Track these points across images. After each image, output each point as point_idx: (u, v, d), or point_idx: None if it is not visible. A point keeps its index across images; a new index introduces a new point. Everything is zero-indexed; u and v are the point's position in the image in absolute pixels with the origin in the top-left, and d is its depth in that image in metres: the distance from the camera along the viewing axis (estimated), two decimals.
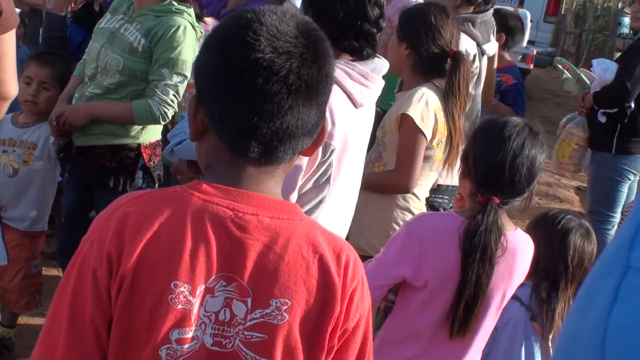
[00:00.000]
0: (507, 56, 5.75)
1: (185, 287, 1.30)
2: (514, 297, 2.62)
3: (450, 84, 3.10)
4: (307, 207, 2.25)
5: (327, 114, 1.47)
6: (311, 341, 1.36)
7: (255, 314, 1.33)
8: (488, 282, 2.25)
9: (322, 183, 2.29)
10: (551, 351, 2.73)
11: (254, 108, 1.32)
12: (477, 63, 3.81)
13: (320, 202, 2.30)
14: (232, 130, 1.35)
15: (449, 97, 3.07)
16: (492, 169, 2.26)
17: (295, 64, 1.32)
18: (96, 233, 1.33)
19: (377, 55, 2.47)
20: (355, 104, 2.37)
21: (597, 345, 0.89)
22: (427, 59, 3.10)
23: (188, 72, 3.39)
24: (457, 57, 3.12)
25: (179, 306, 1.30)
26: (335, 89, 1.50)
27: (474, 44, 3.79)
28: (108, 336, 1.32)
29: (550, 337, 2.74)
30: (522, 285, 2.56)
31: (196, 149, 1.45)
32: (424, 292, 2.29)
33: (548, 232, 2.79)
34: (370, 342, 1.47)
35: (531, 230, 2.77)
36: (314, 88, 1.35)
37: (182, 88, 3.40)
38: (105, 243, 1.30)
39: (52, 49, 4.77)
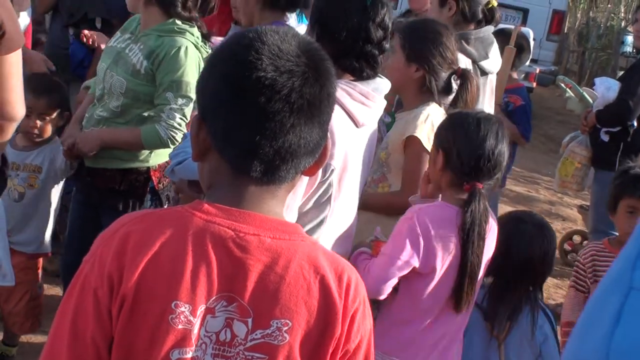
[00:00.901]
0: (514, 75, 5.73)
1: (185, 307, 1.29)
2: None
3: (459, 102, 3.09)
4: (308, 227, 2.25)
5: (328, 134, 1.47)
6: None
7: (256, 334, 1.32)
8: (482, 257, 2.55)
9: (322, 203, 2.29)
10: (503, 352, 2.78)
11: (257, 127, 1.32)
12: None
13: (322, 222, 2.30)
14: (234, 149, 1.35)
15: None
16: (479, 160, 2.53)
17: (298, 83, 1.33)
18: (97, 253, 1.33)
19: (379, 75, 2.47)
20: (356, 123, 2.37)
21: None
22: (441, 79, 3.09)
23: (193, 94, 3.35)
24: (465, 75, 3.11)
25: (180, 326, 1.29)
26: (335, 108, 1.51)
27: (468, 61, 3.77)
28: (109, 356, 1.31)
29: (502, 337, 2.80)
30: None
31: (198, 168, 1.45)
32: (430, 277, 2.52)
33: (499, 232, 2.84)
34: None
35: None
36: (316, 107, 1.36)
37: (188, 110, 3.37)
38: (107, 263, 1.30)
39: (55, 65, 4.77)
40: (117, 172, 3.47)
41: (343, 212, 2.42)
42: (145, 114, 3.40)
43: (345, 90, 2.32)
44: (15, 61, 2.30)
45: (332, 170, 2.27)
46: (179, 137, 3.37)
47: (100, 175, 3.49)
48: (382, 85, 2.46)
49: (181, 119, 3.36)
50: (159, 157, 3.50)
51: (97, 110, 3.47)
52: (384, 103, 2.49)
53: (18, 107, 2.37)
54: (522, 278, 2.80)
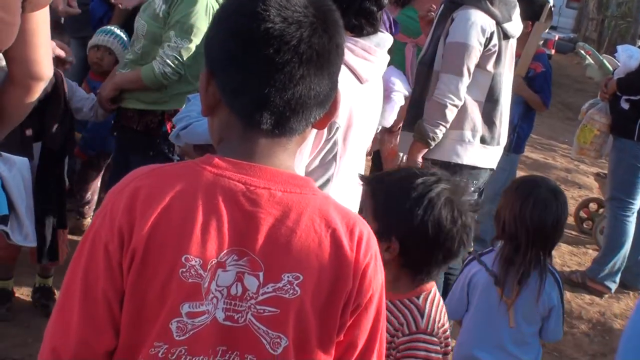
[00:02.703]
0: None
1: (196, 261, 1.29)
2: (480, 262, 2.83)
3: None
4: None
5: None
6: (323, 316, 1.35)
7: (267, 288, 1.31)
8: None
9: (328, 161, 2.27)
10: (512, 315, 2.80)
11: (266, 78, 1.30)
12: (495, 41, 3.75)
13: (328, 181, 2.27)
14: (244, 102, 1.33)
15: None
16: None
17: (306, 34, 1.31)
18: (108, 207, 1.33)
19: (380, 30, 2.43)
20: (360, 79, 2.33)
21: None
22: None
23: (196, 38, 3.48)
24: None
25: (190, 280, 1.29)
26: None
27: (492, 22, 3.74)
28: (120, 310, 1.31)
29: (511, 301, 2.81)
30: (489, 250, 2.86)
31: (208, 123, 1.44)
32: None
33: (512, 195, 2.85)
34: (384, 318, 1.45)
35: (502, 196, 2.94)
36: (325, 57, 1.34)
37: (186, 52, 3.50)
38: (117, 217, 1.30)
39: (75, 22, 4.75)
40: (135, 112, 3.70)
41: (350, 171, 2.39)
42: None
43: (347, 47, 2.29)
44: (42, 19, 2.24)
45: (337, 128, 2.24)
46: (170, 73, 3.51)
47: (124, 115, 3.75)
48: (383, 40, 2.42)
49: (176, 57, 3.48)
50: (175, 102, 3.61)
51: (127, 55, 3.72)
52: (387, 58, 2.46)
53: (45, 66, 2.30)
54: (533, 243, 2.79)
